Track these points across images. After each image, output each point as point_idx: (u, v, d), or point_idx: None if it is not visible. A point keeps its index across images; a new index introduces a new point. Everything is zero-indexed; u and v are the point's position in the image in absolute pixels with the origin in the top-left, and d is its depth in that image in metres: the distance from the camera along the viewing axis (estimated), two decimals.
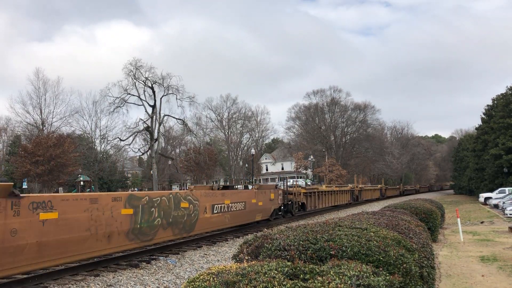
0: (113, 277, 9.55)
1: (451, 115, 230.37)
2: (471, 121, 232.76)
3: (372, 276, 3.80)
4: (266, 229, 16.55)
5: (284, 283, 3.33)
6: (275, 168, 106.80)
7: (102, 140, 71.39)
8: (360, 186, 47.93)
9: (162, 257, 12.00)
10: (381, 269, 4.45)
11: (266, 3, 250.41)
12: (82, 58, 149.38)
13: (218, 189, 16.30)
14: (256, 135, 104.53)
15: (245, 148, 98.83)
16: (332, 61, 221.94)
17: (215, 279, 3.52)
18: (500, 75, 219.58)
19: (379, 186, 61.57)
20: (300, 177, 78.78)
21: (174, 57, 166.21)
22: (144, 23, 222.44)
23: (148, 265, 11.07)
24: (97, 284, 8.94)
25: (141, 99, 60.97)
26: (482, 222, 24.37)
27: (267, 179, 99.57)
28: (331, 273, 3.68)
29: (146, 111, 61.52)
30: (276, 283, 3.30)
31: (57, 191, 50.08)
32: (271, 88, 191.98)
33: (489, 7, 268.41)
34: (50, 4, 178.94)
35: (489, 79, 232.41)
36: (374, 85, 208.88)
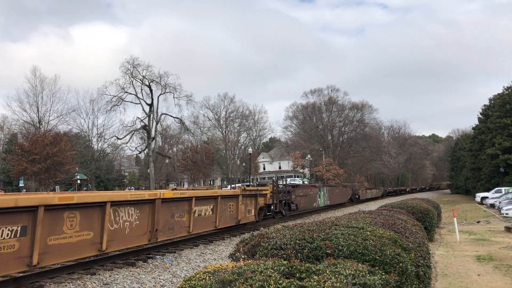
0: (110, 276, 9.54)
1: (444, 114, 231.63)
2: (462, 121, 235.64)
3: (368, 275, 3.80)
4: (262, 228, 17.58)
5: (280, 281, 3.33)
6: (272, 167, 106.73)
7: (99, 139, 71.36)
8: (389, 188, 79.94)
9: (158, 256, 11.98)
10: (377, 268, 4.46)
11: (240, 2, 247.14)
12: (58, 58, 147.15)
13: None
14: (254, 134, 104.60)
15: (243, 147, 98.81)
16: (317, 62, 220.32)
17: (211, 277, 3.52)
18: (484, 77, 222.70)
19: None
20: (297, 176, 78.82)
21: (152, 58, 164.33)
22: (121, 24, 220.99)
23: (145, 263, 11.06)
24: (94, 282, 8.92)
25: (138, 97, 60.85)
26: (478, 222, 24.47)
27: (264, 178, 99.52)
28: (327, 272, 3.68)
29: (143, 109, 61.39)
30: (272, 281, 3.31)
31: (54, 190, 49.93)
32: (259, 88, 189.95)
33: (462, 10, 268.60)
34: (23, 3, 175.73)
35: (474, 80, 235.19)
36: (361, 85, 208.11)
